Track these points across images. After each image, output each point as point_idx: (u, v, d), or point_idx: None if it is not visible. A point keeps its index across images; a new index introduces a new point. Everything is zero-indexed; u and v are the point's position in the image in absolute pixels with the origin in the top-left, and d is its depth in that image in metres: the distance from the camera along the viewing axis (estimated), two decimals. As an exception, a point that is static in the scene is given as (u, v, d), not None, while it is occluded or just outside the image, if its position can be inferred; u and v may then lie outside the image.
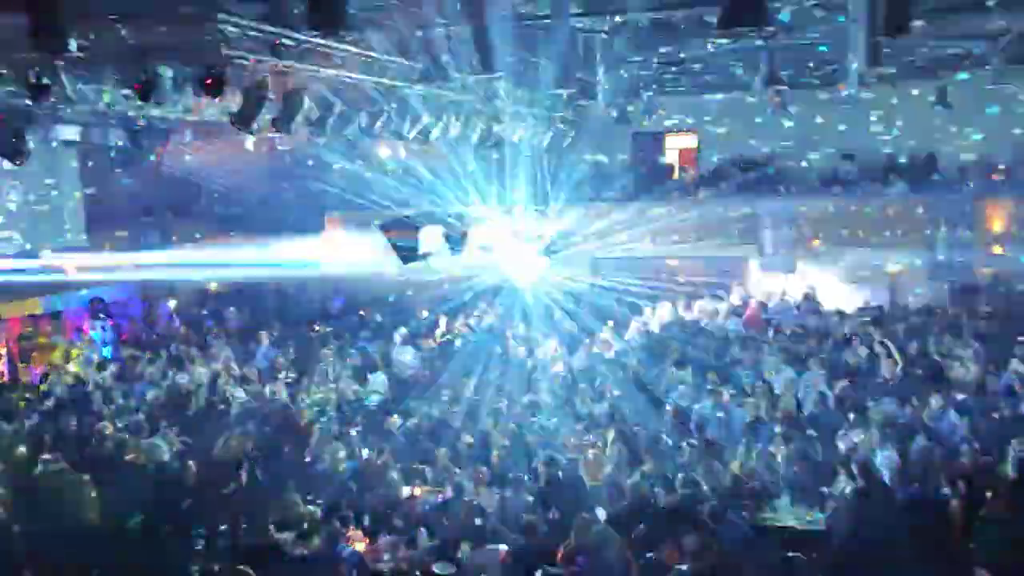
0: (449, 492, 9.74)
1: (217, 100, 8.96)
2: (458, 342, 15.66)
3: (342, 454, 10.74)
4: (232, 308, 18.00)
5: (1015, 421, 10.00)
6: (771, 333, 15.36)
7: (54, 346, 15.44)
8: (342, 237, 18.32)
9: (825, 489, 9.09)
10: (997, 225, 16.10)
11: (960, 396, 11.15)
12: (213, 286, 19.28)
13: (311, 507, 9.60)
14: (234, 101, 8.81)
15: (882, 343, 13.17)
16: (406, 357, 14.58)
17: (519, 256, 14.62)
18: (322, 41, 8.58)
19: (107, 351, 16.00)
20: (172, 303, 18.25)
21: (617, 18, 11.17)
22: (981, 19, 12.15)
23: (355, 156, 14.71)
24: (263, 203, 17.44)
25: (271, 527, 8.90)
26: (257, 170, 17.16)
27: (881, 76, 13.42)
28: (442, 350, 15.22)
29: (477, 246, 13.98)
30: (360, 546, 8.86)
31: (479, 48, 8.37)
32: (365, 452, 10.90)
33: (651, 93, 16.71)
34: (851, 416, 10.45)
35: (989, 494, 8.15)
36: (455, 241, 12.84)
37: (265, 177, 17.67)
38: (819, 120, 18.37)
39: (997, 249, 16.14)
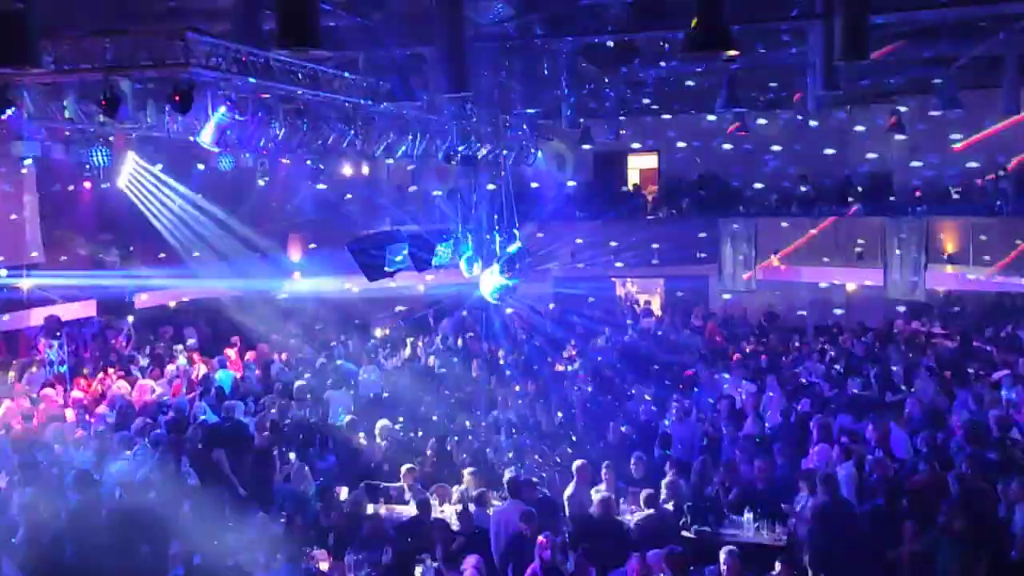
0: (415, 509, 9.71)
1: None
2: (423, 360, 15.67)
3: (306, 473, 10.67)
4: (191, 327, 17.83)
5: (967, 438, 10.23)
6: (731, 350, 15.60)
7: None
8: (304, 255, 18.26)
9: (785, 505, 9.23)
10: (949, 245, 16.51)
11: (915, 412, 11.38)
12: (172, 304, 19.06)
13: (274, 527, 9.53)
14: (200, 117, 8.79)
15: (839, 359, 13.44)
16: (371, 376, 14.53)
17: (482, 275, 14.68)
18: (291, 59, 8.62)
19: (63, 370, 15.71)
20: (130, 320, 18.00)
21: (582, 40, 11.33)
22: (934, 46, 12.55)
23: (320, 174, 14.68)
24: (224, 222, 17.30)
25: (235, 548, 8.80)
26: (218, 189, 17.04)
27: (838, 100, 13.77)
28: (408, 368, 15.20)
29: (442, 264, 14.01)
30: (324, 565, 8.80)
31: (446, 68, 8.44)
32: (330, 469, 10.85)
33: (614, 114, 16.91)
34: (812, 431, 10.63)
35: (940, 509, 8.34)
36: (421, 259, 12.87)
37: (228, 194, 17.54)
38: (778, 141, 18.72)
39: (949, 268, 16.54)
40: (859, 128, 18.62)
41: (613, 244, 18.55)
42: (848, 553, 8.31)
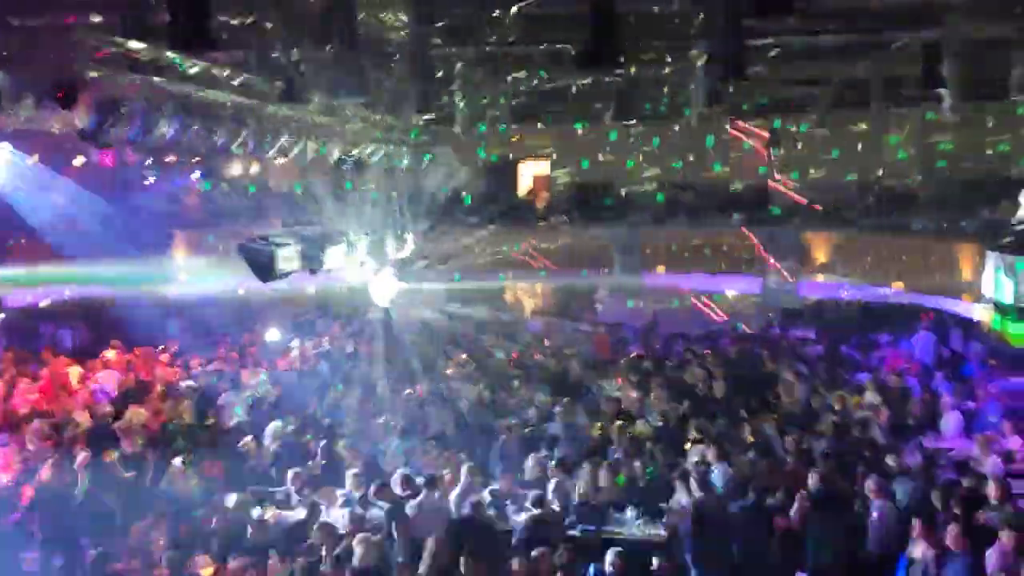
0: (303, 513, 9.68)
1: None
2: (313, 362, 15.55)
3: (191, 477, 10.48)
4: (67, 328, 17.19)
5: (831, 438, 10.88)
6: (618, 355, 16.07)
7: None
8: (191, 255, 17.84)
9: (663, 504, 9.62)
10: (821, 256, 17.41)
11: (787, 413, 12.02)
12: (45, 303, 18.31)
13: (156, 532, 9.35)
14: (85, 115, 8.54)
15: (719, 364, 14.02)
16: (261, 379, 14.33)
17: (374, 278, 14.68)
18: (181, 57, 8.50)
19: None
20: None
21: (476, 48, 11.51)
22: (813, 66, 13.27)
23: (210, 174, 14.42)
24: (107, 220, 16.75)
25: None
26: (101, 186, 16.49)
27: (720, 115, 14.38)
28: (297, 371, 15.06)
29: (334, 267, 13.95)
30: (208, 571, 8.69)
31: (341, 71, 8.49)
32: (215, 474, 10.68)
33: (507, 121, 17.17)
34: (692, 433, 11.09)
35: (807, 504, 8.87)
36: (312, 261, 12.77)
37: (109, 193, 16.99)
38: (664, 153, 19.34)
39: (820, 277, 17.44)
40: (740, 143, 19.44)
41: (504, 249, 18.80)
42: (723, 548, 8.76)
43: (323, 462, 11.07)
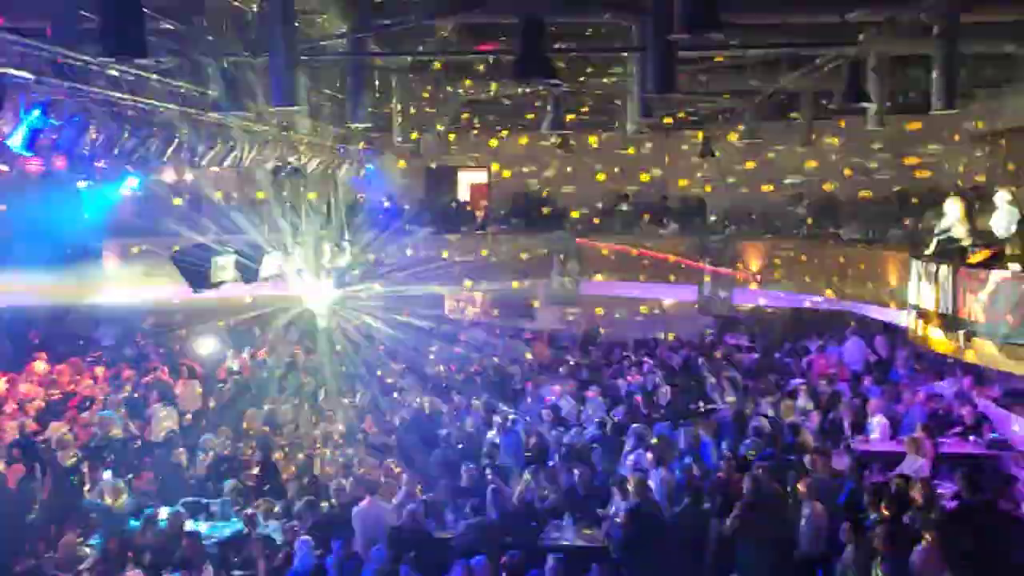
0: (239, 525, 9.56)
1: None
2: (250, 372, 15.35)
3: (121, 491, 10.26)
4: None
5: (764, 443, 11.12)
6: (556, 362, 16.20)
7: None
8: (122, 264, 17.43)
9: (600, 510, 9.72)
10: (754, 264, 17.77)
11: (721, 420, 12.24)
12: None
13: (87, 547, 9.16)
14: (10, 120, 8.34)
15: (656, 371, 14.23)
16: (196, 389, 14.11)
17: (311, 287, 14.57)
18: (112, 63, 8.35)
19: None
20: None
21: (414, 57, 11.53)
22: (739, 80, 13.59)
23: (142, 181, 14.13)
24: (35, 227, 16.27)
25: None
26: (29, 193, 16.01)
27: (653, 126, 14.60)
28: (233, 382, 14.85)
29: (270, 276, 13.81)
30: (140, 586, 8.53)
31: (277, 79, 8.42)
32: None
33: (445, 130, 17.20)
34: (630, 439, 11.23)
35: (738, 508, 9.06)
36: (248, 270, 12.65)
37: (38, 201, 16.51)
38: (601, 162, 19.54)
39: (754, 286, 17.81)
40: (675, 153, 19.77)
41: (443, 258, 18.79)
42: (659, 553, 8.88)
43: (259, 473, 10.95)
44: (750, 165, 18.73)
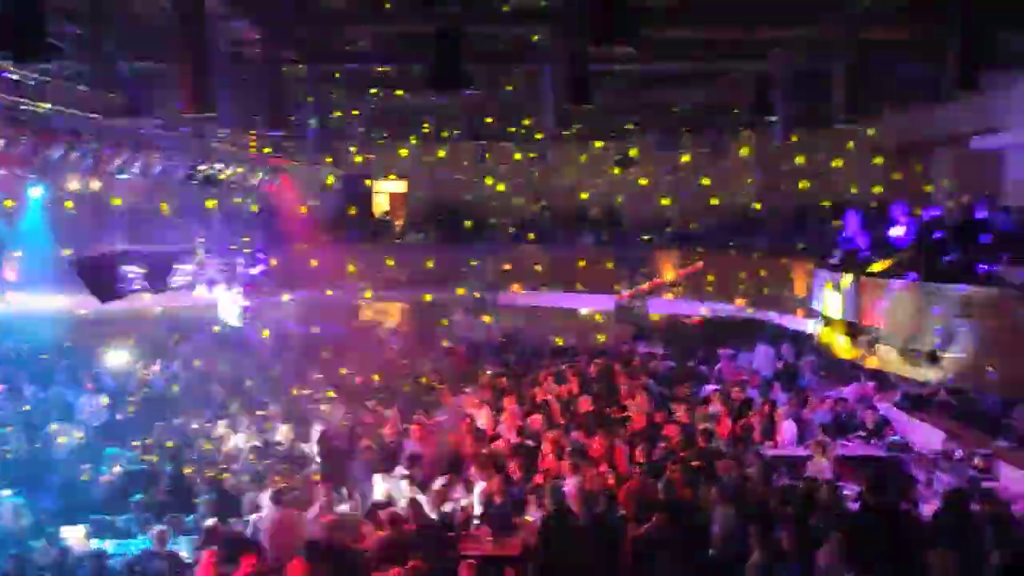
0: (147, 543, 9.29)
1: None
2: (159, 385, 14.96)
3: (23, 510, 9.88)
4: None
5: (677, 448, 11.34)
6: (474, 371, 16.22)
7: None
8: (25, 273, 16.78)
9: (517, 519, 9.77)
10: (669, 274, 18.12)
11: (636, 427, 12.43)
12: None
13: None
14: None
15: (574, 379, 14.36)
16: (99, 402, 13.67)
17: (224, 297, 14.29)
18: (13, 67, 8.08)
19: None
20: None
21: (329, 67, 11.45)
22: (656, 93, 13.88)
23: (46, 189, 13.65)
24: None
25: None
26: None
27: (569, 137, 14.79)
28: (142, 395, 14.44)
29: (180, 286, 13.51)
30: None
31: (189, 85, 8.28)
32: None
33: (362, 137, 17.08)
34: (546, 447, 11.29)
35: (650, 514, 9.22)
36: (157, 280, 12.35)
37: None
38: (519, 173, 19.68)
39: (669, 295, 18.15)
40: (591, 164, 20.02)
41: (360, 268, 18.66)
42: (574, 559, 8.95)
43: (169, 488, 10.67)
44: (666, 177, 19.11)
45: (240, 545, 8.77)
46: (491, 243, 19.32)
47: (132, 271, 11.55)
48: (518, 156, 19.12)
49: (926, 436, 11.97)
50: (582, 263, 18.67)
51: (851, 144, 16.01)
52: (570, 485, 9.96)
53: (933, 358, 9.21)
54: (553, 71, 9.19)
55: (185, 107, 8.00)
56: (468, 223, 19.58)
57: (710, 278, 17.31)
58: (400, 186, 21.78)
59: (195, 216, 15.16)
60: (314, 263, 18.02)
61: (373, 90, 13.15)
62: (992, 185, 12.46)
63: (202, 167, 12.93)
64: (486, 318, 19.27)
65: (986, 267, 8.96)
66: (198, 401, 14.13)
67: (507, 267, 18.90)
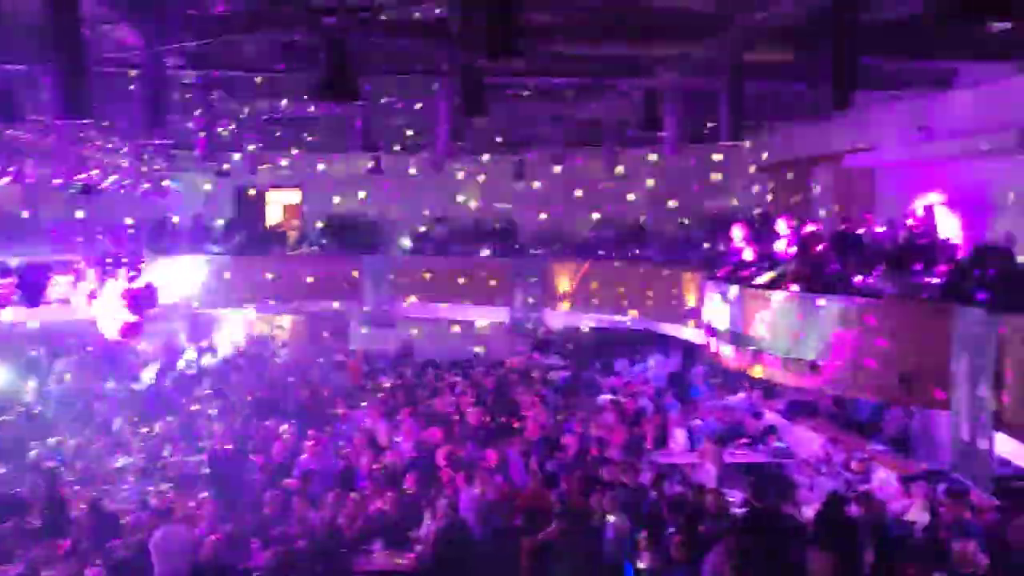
0: (19, 569, 8.83)
1: None
2: (35, 403, 14.28)
3: None
4: None
5: (572, 458, 11.47)
6: (370, 385, 16.08)
7: None
8: None
9: (411, 533, 9.69)
10: (564, 286, 18.33)
11: (531, 437, 12.50)
12: None
13: None
14: None
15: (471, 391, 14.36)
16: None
17: (105, 311, 13.71)
18: None
19: None
20: None
21: (217, 73, 11.14)
22: (551, 106, 14.01)
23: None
24: None
25: None
26: None
27: (465, 150, 14.80)
28: (17, 415, 13.75)
29: (59, 297, 12.93)
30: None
31: (62, 91, 7.92)
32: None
33: (253, 147, 16.69)
34: (441, 460, 11.24)
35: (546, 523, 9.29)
36: (31, 291, 11.80)
37: None
38: (416, 184, 19.57)
39: (564, 306, 18.35)
40: (488, 177, 20.12)
41: (253, 279, 18.25)
42: (470, 571, 8.94)
43: (44, 512, 10.17)
44: (561, 190, 19.34)
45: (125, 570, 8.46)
46: (388, 255, 19.19)
47: (4, 284, 11.00)
48: (413, 171, 19.03)
49: (808, 442, 12.44)
50: (478, 275, 18.71)
51: (737, 159, 16.54)
52: (465, 497, 9.95)
53: (814, 367, 9.55)
54: (449, 83, 9.17)
55: (58, 113, 7.62)
56: (364, 235, 19.39)
57: (594, 285, 17.63)
58: (294, 197, 21.40)
59: (75, 225, 14.57)
60: (206, 274, 17.56)
61: (262, 99, 12.85)
62: (867, 199, 13.08)
63: (80, 175, 12.42)
64: (383, 330, 19.10)
65: (862, 279, 9.37)
66: (78, 419, 13.54)
67: (404, 278, 18.79)
